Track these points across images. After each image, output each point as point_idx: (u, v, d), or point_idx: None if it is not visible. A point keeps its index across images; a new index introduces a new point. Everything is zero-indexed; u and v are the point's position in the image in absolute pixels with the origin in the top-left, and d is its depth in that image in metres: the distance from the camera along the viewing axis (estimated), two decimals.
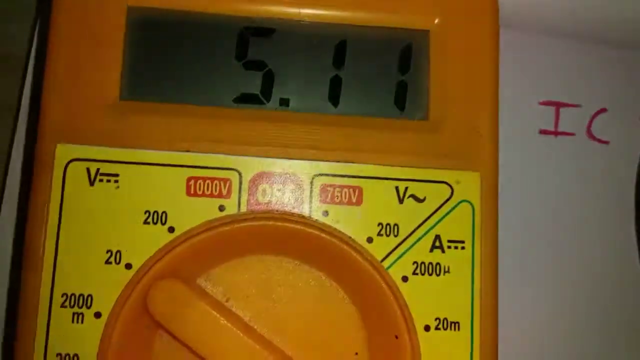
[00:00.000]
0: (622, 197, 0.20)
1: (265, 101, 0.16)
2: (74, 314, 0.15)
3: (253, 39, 0.17)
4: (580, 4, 0.20)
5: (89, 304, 0.15)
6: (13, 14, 0.21)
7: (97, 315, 0.15)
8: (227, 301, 0.16)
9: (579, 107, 0.20)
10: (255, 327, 0.16)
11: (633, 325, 0.19)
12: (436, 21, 0.17)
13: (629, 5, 0.20)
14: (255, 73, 0.16)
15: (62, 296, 0.15)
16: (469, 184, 0.16)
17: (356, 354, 0.16)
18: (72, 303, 0.15)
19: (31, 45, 0.20)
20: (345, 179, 0.16)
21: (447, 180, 0.16)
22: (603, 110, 0.21)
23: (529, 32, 0.20)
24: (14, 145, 0.18)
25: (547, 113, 0.20)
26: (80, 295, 0.15)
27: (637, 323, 0.19)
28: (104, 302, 0.15)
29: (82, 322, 0.15)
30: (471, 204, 0.16)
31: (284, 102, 0.16)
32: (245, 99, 0.16)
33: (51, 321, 0.14)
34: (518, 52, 0.20)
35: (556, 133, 0.20)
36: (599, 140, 0.20)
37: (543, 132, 0.20)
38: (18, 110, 0.19)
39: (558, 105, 0.20)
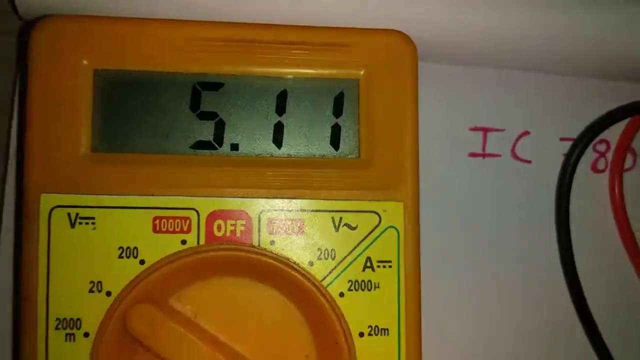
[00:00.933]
0: (544, 210, 0.23)
1: (217, 147, 0.19)
2: (66, 334, 0.18)
3: (205, 93, 0.20)
4: (502, 37, 0.23)
5: (78, 326, 0.18)
6: None
7: (86, 335, 0.18)
8: (195, 317, 0.19)
9: (504, 131, 0.24)
10: (220, 337, 0.19)
11: (553, 336, 0.23)
12: (363, 72, 0.20)
13: (544, 34, 0.23)
14: (208, 122, 0.20)
15: (55, 320, 0.18)
16: (394, 212, 0.19)
17: (306, 356, 0.19)
18: (65, 325, 0.18)
19: (14, 89, 0.23)
20: (289, 212, 0.19)
21: (375, 210, 0.19)
22: (526, 133, 0.24)
23: (458, 64, 0.23)
24: (8, 194, 0.21)
25: (475, 137, 0.23)
26: (70, 319, 0.18)
27: (559, 334, 0.23)
28: (91, 324, 0.18)
29: (73, 340, 0.18)
30: (396, 229, 0.19)
31: (234, 147, 0.20)
32: (200, 145, 0.19)
33: (49, 341, 0.18)
34: (448, 83, 0.24)
35: (484, 155, 0.23)
36: (523, 160, 0.24)
37: (472, 154, 0.23)
38: (7, 147, 0.22)
39: (485, 130, 0.24)
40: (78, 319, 0.18)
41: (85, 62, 0.19)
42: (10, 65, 0.23)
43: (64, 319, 0.18)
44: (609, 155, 0.24)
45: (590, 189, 0.24)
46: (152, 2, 0.20)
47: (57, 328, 0.18)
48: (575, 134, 0.24)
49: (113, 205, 0.18)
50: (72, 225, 0.18)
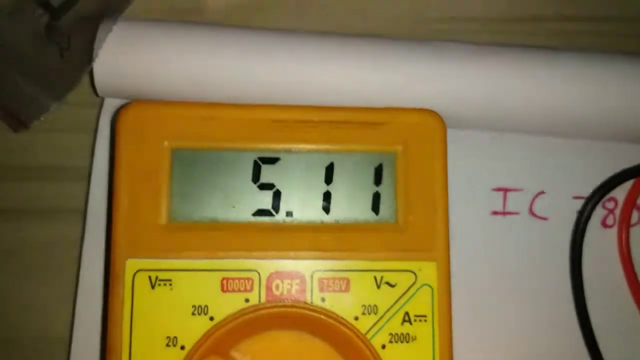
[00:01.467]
0: (560, 262, 0.26)
1: (275, 214, 0.22)
2: None
3: (264, 166, 0.22)
4: (521, 108, 0.26)
5: None
6: (75, 128, 0.27)
7: None
8: None
9: (522, 190, 0.26)
10: None
11: None
12: (400, 147, 0.23)
13: (557, 105, 0.25)
14: (267, 192, 0.22)
15: None
16: (428, 271, 0.22)
17: None
18: None
19: (92, 158, 0.26)
20: (337, 272, 0.22)
21: (412, 269, 0.22)
22: (542, 192, 0.26)
23: (481, 130, 0.26)
24: (96, 248, 0.24)
25: (497, 197, 0.26)
26: None
27: None
28: None
29: None
30: (431, 286, 0.22)
31: (289, 214, 0.22)
32: (261, 213, 0.22)
33: None
34: (473, 148, 0.26)
35: (504, 213, 0.26)
36: (539, 217, 0.26)
37: (494, 213, 0.26)
38: (86, 211, 0.25)
39: (506, 190, 0.26)
40: None
41: (165, 143, 0.22)
42: (89, 136, 0.26)
43: None
44: (617, 212, 0.26)
45: (601, 242, 0.26)
46: (216, 90, 0.23)
47: None
48: (586, 192, 0.26)
49: (187, 269, 0.21)
50: (152, 287, 0.21)
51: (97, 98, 0.27)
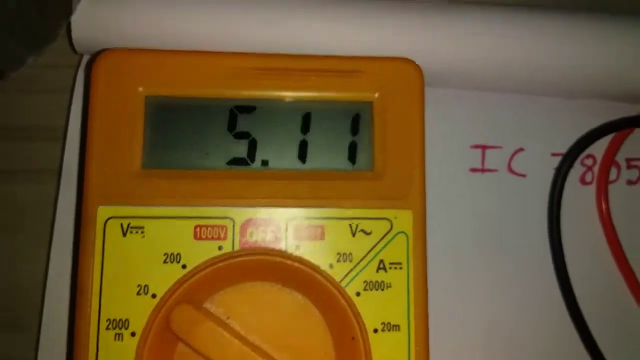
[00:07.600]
0: (538, 219, 0.25)
1: (250, 163, 0.21)
2: (115, 334, 0.19)
3: (240, 115, 0.21)
4: (498, 66, 0.24)
5: (126, 326, 0.19)
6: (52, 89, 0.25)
7: (133, 334, 0.19)
8: (227, 319, 0.20)
9: (501, 148, 0.25)
10: (249, 337, 0.20)
11: (544, 332, 0.24)
12: (376, 95, 0.21)
13: (536, 62, 0.24)
14: (243, 141, 0.21)
15: (106, 321, 0.19)
16: (404, 219, 0.20)
17: (325, 353, 0.20)
18: (114, 326, 0.19)
19: (68, 116, 0.24)
20: (312, 220, 0.20)
21: (387, 217, 0.20)
22: (520, 149, 0.25)
23: (460, 89, 0.25)
24: (70, 205, 0.23)
25: (475, 154, 0.25)
26: (119, 320, 0.19)
27: (550, 331, 0.24)
28: (137, 324, 0.19)
29: (121, 340, 0.19)
30: (406, 234, 0.20)
31: (265, 163, 0.21)
32: (236, 161, 0.21)
33: (99, 340, 0.19)
34: (452, 106, 0.25)
35: (483, 170, 0.25)
36: (518, 174, 0.25)
37: (472, 170, 0.25)
38: (61, 168, 0.24)
39: (484, 147, 0.25)
40: (126, 320, 0.19)
41: (140, 89, 0.20)
42: (66, 96, 0.25)
43: (114, 319, 0.19)
44: (595, 168, 0.25)
45: (579, 199, 0.25)
46: (195, 37, 0.22)
47: (107, 328, 0.19)
48: (564, 149, 0.25)
49: (160, 216, 0.20)
50: (124, 234, 0.20)
51: (76, 57, 0.25)
